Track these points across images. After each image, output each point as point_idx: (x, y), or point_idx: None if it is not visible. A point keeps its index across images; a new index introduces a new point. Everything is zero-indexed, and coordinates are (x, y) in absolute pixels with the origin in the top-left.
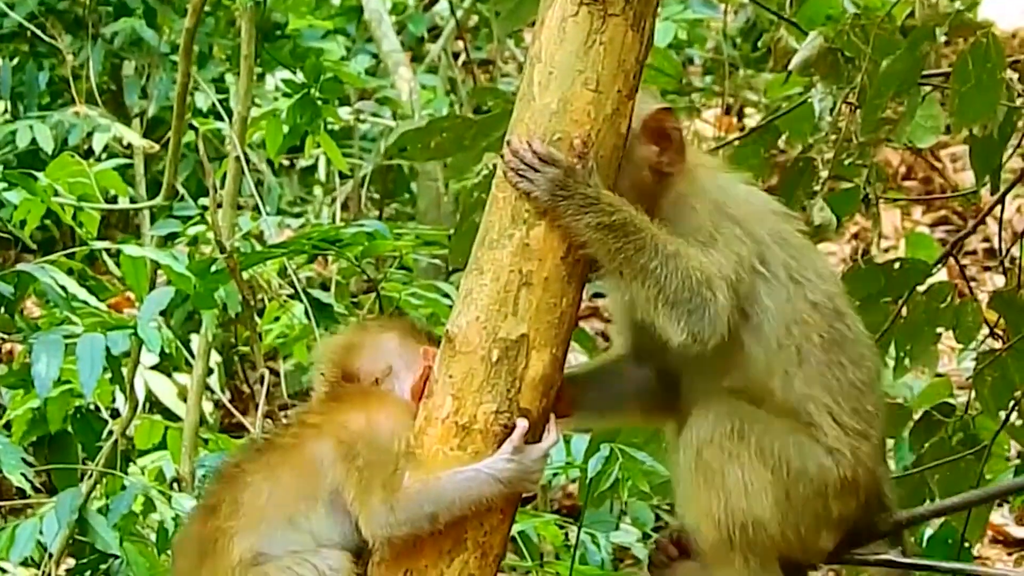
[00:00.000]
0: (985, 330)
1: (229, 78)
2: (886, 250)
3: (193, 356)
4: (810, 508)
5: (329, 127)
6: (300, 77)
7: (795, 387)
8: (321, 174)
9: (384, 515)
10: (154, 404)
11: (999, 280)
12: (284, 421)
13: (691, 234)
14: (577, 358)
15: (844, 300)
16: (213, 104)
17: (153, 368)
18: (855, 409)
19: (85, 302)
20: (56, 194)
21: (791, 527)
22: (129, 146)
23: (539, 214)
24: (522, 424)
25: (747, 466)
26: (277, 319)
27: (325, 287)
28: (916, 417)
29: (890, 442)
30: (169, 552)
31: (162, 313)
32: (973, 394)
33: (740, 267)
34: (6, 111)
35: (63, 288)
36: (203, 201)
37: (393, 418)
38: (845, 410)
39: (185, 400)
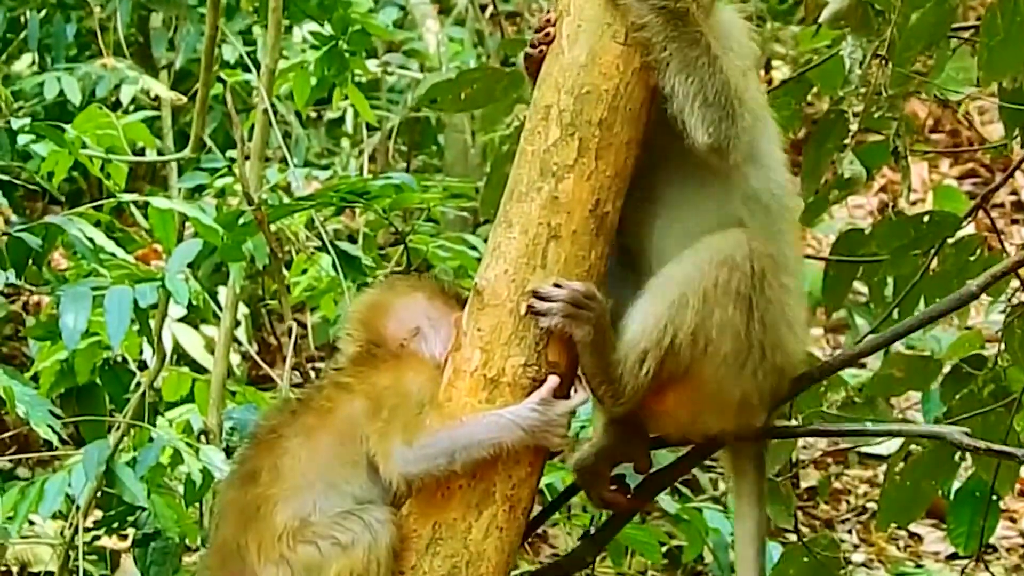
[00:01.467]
0: (1015, 283)
1: (257, 30)
2: (914, 203)
3: (221, 308)
4: (772, 379)
5: (357, 79)
6: (328, 29)
7: (780, 244)
8: (349, 126)
9: (401, 452)
10: (182, 356)
11: None
12: (315, 382)
13: (738, 59)
14: None
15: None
16: (241, 56)
17: (181, 320)
18: (799, 288)
19: (113, 254)
20: (84, 146)
21: (750, 395)
22: (156, 98)
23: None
24: (553, 379)
25: (734, 311)
26: (305, 271)
27: (353, 239)
28: (946, 370)
29: (919, 394)
30: (197, 505)
31: (190, 265)
32: (1003, 346)
33: (758, 105)
34: (34, 63)
35: (91, 240)
36: (231, 153)
37: (420, 376)
38: (801, 286)
39: (213, 352)
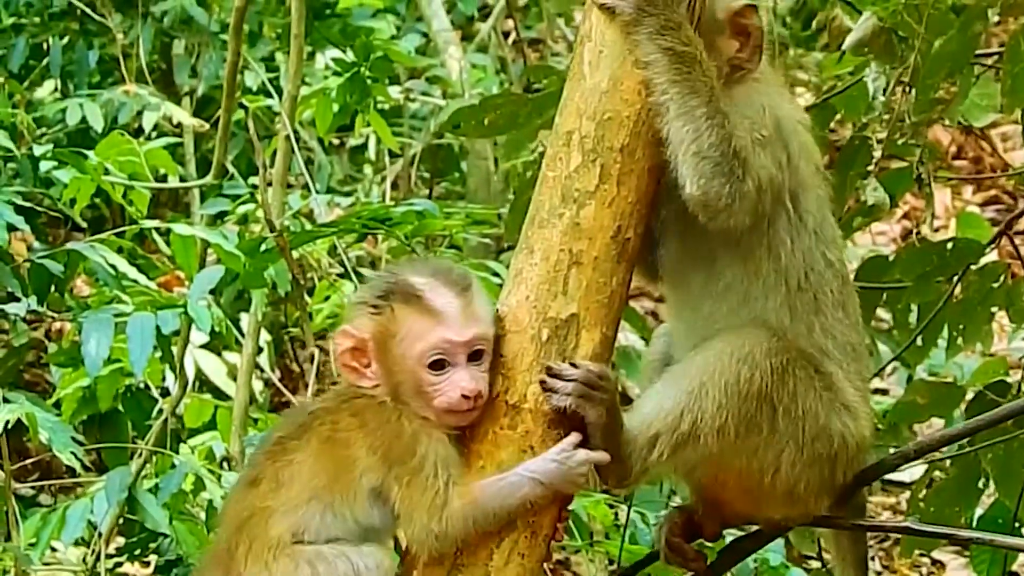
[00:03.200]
0: None
1: (279, 57)
2: (936, 230)
3: (243, 335)
4: (818, 469)
5: (379, 106)
6: (350, 56)
7: (815, 336)
8: (371, 153)
9: (431, 535)
10: (204, 383)
11: None
12: (330, 400)
13: (749, 128)
14: (627, 337)
15: (847, 271)
16: (263, 83)
17: (203, 347)
18: (858, 371)
19: (135, 281)
20: (106, 173)
21: (794, 486)
22: (179, 125)
23: (623, 26)
24: (575, 435)
25: (757, 409)
26: (327, 298)
27: (375, 266)
28: (969, 396)
29: (941, 421)
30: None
31: (212, 292)
32: None
33: (771, 184)
34: (56, 89)
35: (113, 267)
36: (253, 180)
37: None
38: (851, 370)
39: (235, 379)
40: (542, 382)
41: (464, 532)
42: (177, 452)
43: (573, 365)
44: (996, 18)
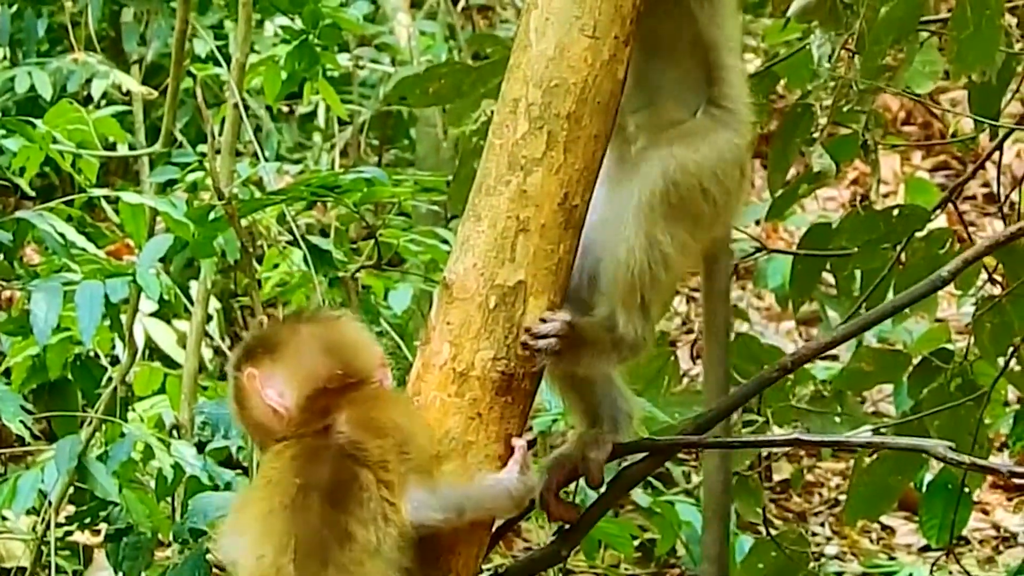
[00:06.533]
0: (984, 276)
1: (228, 24)
2: (885, 195)
3: (192, 303)
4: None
5: (328, 73)
6: (299, 23)
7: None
8: (320, 120)
9: (419, 498)
10: (153, 351)
11: (998, 225)
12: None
13: None
14: None
15: None
16: (212, 50)
17: (152, 315)
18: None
19: (84, 249)
20: (55, 141)
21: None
22: (128, 93)
23: None
24: (520, 443)
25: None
26: (276, 266)
27: (324, 233)
28: (915, 363)
29: (888, 387)
30: (168, 500)
31: (161, 260)
32: (972, 340)
33: None
34: (5, 58)
35: (62, 235)
36: (202, 148)
37: (419, 419)
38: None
39: (184, 347)
40: (523, 344)
41: (449, 509)
42: (126, 420)
43: (543, 320)
44: None
